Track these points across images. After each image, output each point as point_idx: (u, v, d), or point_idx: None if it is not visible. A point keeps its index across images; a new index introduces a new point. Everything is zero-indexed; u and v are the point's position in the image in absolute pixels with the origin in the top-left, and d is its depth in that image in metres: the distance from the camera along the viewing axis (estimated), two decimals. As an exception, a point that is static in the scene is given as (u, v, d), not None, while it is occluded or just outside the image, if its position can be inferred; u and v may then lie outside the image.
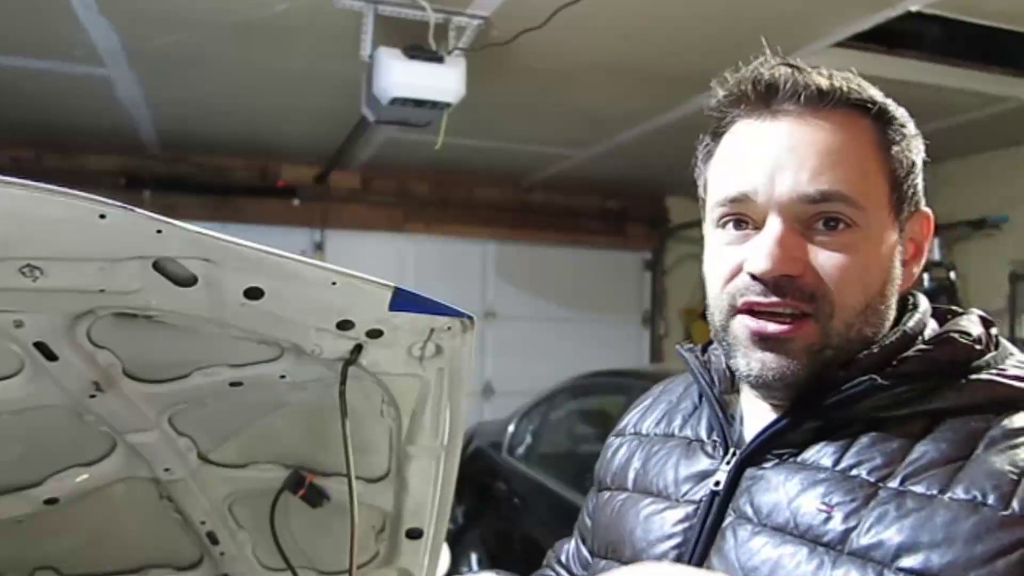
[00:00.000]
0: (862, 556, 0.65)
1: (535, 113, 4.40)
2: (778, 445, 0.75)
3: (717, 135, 0.82)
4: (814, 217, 0.72)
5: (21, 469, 1.26)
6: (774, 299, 0.72)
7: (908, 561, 0.63)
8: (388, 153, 5.39)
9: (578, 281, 6.59)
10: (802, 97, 0.74)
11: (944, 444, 0.67)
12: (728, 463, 0.78)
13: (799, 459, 0.73)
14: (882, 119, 0.76)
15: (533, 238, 6.51)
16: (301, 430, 1.32)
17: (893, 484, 0.67)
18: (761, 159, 0.74)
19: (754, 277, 0.73)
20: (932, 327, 0.78)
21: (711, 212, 0.79)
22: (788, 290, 0.72)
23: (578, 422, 4.11)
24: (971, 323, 0.76)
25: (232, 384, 1.19)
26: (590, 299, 6.63)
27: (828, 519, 0.68)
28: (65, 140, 5.23)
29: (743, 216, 0.75)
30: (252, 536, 1.44)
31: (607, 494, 0.95)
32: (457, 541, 3.84)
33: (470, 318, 1.12)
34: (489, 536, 3.74)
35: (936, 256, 4.94)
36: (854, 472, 0.69)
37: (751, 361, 0.74)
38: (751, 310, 0.74)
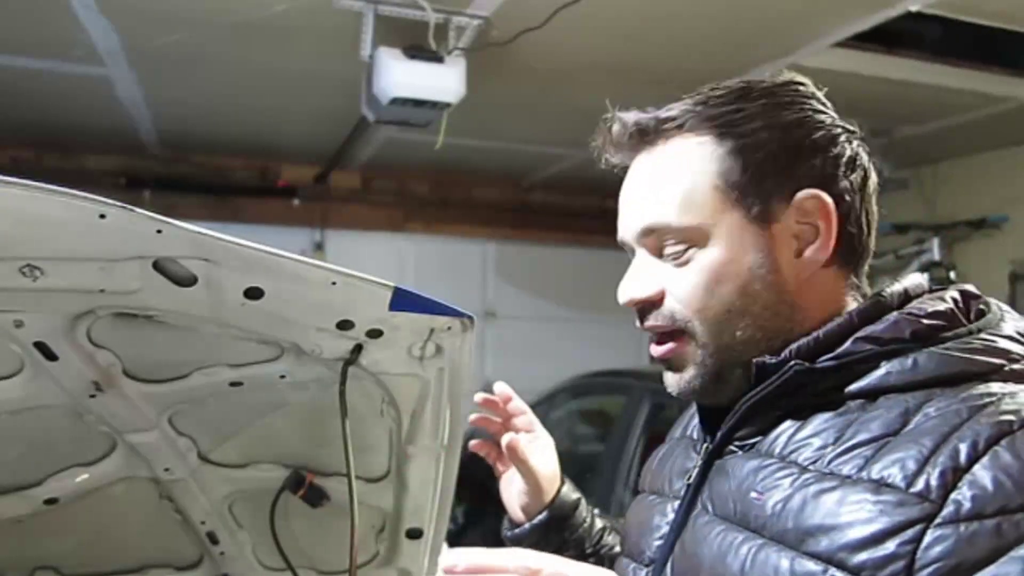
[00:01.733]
0: (779, 540, 0.66)
1: (535, 113, 4.40)
2: (741, 436, 0.77)
3: None
4: (659, 244, 0.78)
5: (21, 469, 1.26)
6: (645, 323, 0.80)
7: (812, 545, 0.63)
8: (388, 153, 5.39)
9: (578, 281, 6.59)
10: (631, 139, 0.81)
11: (875, 423, 0.67)
12: (700, 457, 0.82)
13: (757, 447, 0.75)
14: (708, 127, 0.77)
15: (533, 238, 6.51)
16: (301, 430, 1.32)
17: (820, 466, 0.68)
18: (621, 205, 0.85)
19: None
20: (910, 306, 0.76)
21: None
22: (650, 314, 0.79)
23: (578, 422, 4.11)
24: (936, 300, 0.74)
25: (232, 384, 1.19)
26: (590, 299, 6.63)
27: (758, 505, 0.69)
28: (65, 140, 5.23)
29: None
30: (252, 536, 1.44)
31: (636, 497, 1.01)
32: (457, 541, 3.84)
33: (470, 318, 1.12)
34: (489, 536, 3.74)
35: (936, 256, 4.94)
36: (792, 457, 0.71)
37: (666, 379, 0.82)
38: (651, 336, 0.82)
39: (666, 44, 3.34)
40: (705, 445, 0.83)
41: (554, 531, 1.12)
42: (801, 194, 0.76)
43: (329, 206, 5.99)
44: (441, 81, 3.00)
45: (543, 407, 4.02)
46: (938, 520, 0.58)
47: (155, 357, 1.14)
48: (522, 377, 6.38)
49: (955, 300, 0.75)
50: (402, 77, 2.94)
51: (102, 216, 0.85)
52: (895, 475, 0.62)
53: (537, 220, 6.53)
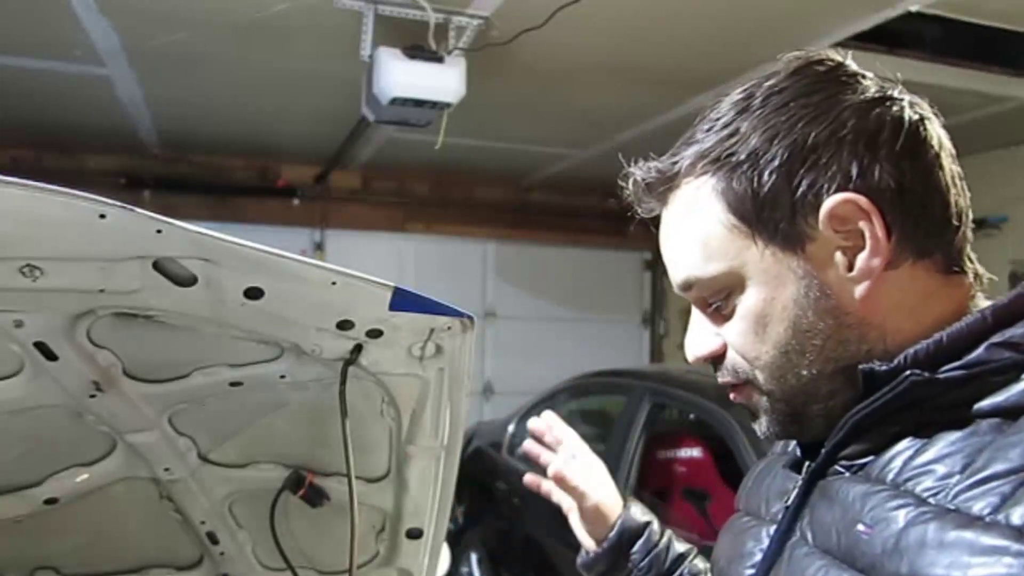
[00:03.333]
0: None
1: (535, 113, 4.40)
2: (849, 454, 0.67)
3: None
4: (702, 300, 0.73)
5: (21, 469, 1.26)
6: (719, 376, 0.75)
7: None
8: (388, 153, 5.39)
9: (578, 281, 6.59)
10: (647, 195, 0.76)
11: (1017, 450, 0.54)
12: (803, 477, 0.72)
13: (866, 471, 0.65)
14: (703, 166, 0.70)
15: (533, 238, 6.52)
16: (301, 430, 1.32)
17: (943, 500, 0.56)
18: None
19: None
20: None
21: None
22: (719, 367, 0.74)
23: (578, 422, 4.12)
24: None
25: (232, 384, 1.19)
26: (590, 299, 6.63)
27: (866, 541, 0.59)
28: (65, 140, 5.23)
29: None
30: (252, 536, 1.44)
31: (732, 516, 0.92)
32: (457, 541, 3.84)
33: (470, 318, 1.12)
34: (489, 536, 3.74)
35: (936, 256, 4.93)
36: (910, 485, 0.59)
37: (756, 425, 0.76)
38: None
39: (666, 44, 3.34)
40: (807, 464, 0.72)
41: (623, 555, 1.05)
42: (829, 202, 0.65)
43: (329, 206, 5.99)
44: (441, 81, 3.00)
45: (543, 407, 4.02)
46: None
47: (155, 357, 1.14)
48: (522, 377, 6.41)
49: None
50: (402, 77, 2.94)
51: (102, 216, 0.85)
52: None
53: (537, 220, 6.53)
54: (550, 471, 1.09)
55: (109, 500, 1.33)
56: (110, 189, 5.07)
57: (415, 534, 1.40)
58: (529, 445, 1.15)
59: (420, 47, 2.98)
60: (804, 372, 0.68)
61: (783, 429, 0.72)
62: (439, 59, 2.98)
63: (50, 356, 1.05)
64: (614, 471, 2.83)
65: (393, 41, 2.99)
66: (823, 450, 0.69)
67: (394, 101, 3.00)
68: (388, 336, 1.11)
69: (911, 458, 0.61)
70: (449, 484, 1.32)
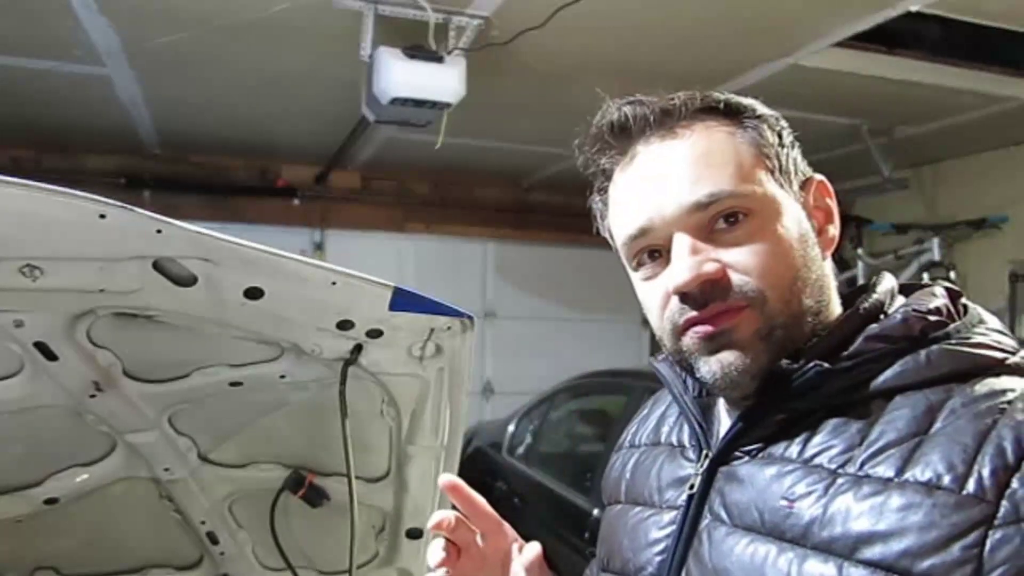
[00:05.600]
0: (824, 550, 0.64)
1: (535, 113, 4.40)
2: (745, 442, 0.75)
3: (602, 191, 0.86)
4: (711, 220, 0.74)
5: (21, 469, 1.26)
6: (708, 308, 0.73)
7: (866, 552, 0.61)
8: (388, 153, 5.39)
9: (578, 281, 6.59)
10: (653, 122, 0.78)
11: (901, 422, 0.66)
12: (702, 465, 0.78)
13: (766, 453, 0.73)
14: (732, 112, 0.78)
15: (533, 238, 6.51)
16: (301, 430, 1.32)
17: (852, 469, 0.66)
18: (644, 190, 0.78)
19: (683, 297, 0.74)
20: (899, 305, 0.76)
21: (625, 259, 0.82)
22: (716, 294, 0.73)
23: (578, 422, 4.11)
24: (930, 296, 0.74)
25: (232, 384, 1.20)
26: (590, 299, 6.63)
27: (791, 514, 0.67)
28: (65, 140, 5.23)
29: (652, 247, 0.78)
30: (252, 536, 1.44)
31: (608, 509, 0.96)
32: (457, 541, 3.84)
33: (470, 318, 1.12)
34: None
35: (936, 256, 4.93)
36: (816, 461, 0.68)
37: (711, 364, 0.74)
38: (694, 324, 0.75)
39: (666, 44, 3.34)
40: (704, 452, 0.79)
41: None
42: (811, 179, 0.80)
43: (329, 206, 5.99)
44: (441, 81, 2.99)
45: (543, 407, 4.02)
46: (997, 521, 0.58)
47: (155, 357, 1.14)
48: (522, 377, 6.38)
49: (943, 296, 0.75)
50: (402, 77, 2.94)
51: (102, 216, 0.85)
52: (944, 476, 0.61)
53: (537, 220, 6.53)
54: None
55: (109, 500, 1.33)
56: (110, 189, 5.07)
57: (415, 534, 1.41)
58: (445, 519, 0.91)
59: (420, 47, 2.98)
60: (806, 301, 0.74)
61: (763, 365, 0.73)
62: (439, 59, 2.98)
63: (50, 356, 1.05)
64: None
65: (393, 41, 2.99)
66: (722, 438, 0.77)
67: (394, 101, 3.00)
68: (388, 336, 1.11)
69: (808, 438, 0.70)
70: (449, 484, 1.32)
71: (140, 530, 1.43)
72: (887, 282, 0.78)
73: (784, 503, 0.67)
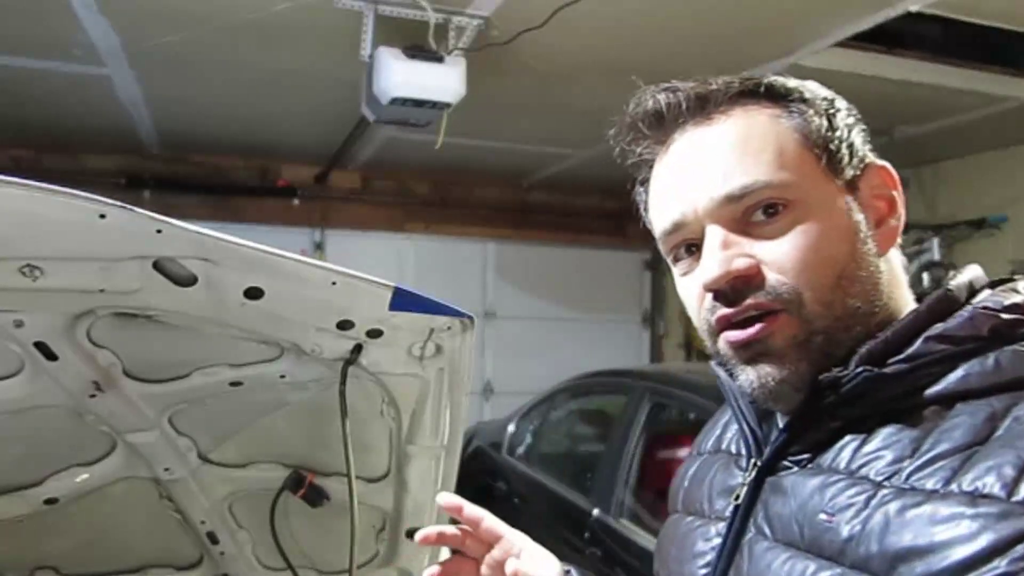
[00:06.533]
0: (862, 567, 0.59)
1: (535, 113, 4.40)
2: (794, 451, 0.70)
3: (644, 182, 0.81)
4: (747, 212, 0.69)
5: (21, 469, 1.26)
6: (739, 306, 0.68)
7: (904, 570, 0.56)
8: (388, 153, 5.39)
9: (578, 281, 6.59)
10: (687, 109, 0.73)
11: (959, 430, 0.59)
12: (750, 474, 0.73)
13: (815, 463, 0.67)
14: (775, 96, 0.73)
15: (533, 238, 6.51)
16: (301, 430, 1.32)
17: (898, 482, 0.60)
18: (677, 182, 0.73)
19: (715, 295, 0.69)
20: (983, 300, 0.67)
21: (664, 253, 0.78)
22: (747, 292, 0.68)
23: (578, 422, 4.11)
24: (1010, 292, 0.67)
25: (232, 384, 1.19)
26: (590, 299, 6.64)
27: (829, 528, 0.62)
28: (65, 140, 5.23)
29: (688, 242, 0.73)
30: (252, 536, 1.44)
31: (668, 518, 0.90)
32: (457, 541, 3.84)
33: (470, 318, 1.12)
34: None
35: (936, 256, 4.93)
36: (863, 472, 0.63)
37: (748, 375, 0.70)
38: (729, 327, 0.70)
39: (666, 44, 3.34)
40: (752, 461, 0.74)
41: None
42: (871, 165, 0.73)
43: (329, 206, 5.99)
44: (441, 81, 3.00)
45: (543, 407, 4.02)
46: None
47: (155, 357, 1.14)
48: (522, 377, 6.39)
49: None
50: (402, 77, 2.94)
51: (102, 216, 0.85)
52: (991, 484, 0.55)
53: (537, 220, 6.53)
54: (512, 568, 0.90)
55: (109, 500, 1.33)
56: (110, 189, 5.07)
57: (415, 534, 1.40)
58: (452, 533, 0.93)
59: (420, 47, 2.98)
60: (851, 302, 0.67)
61: (804, 374, 0.67)
62: (439, 59, 2.98)
63: (50, 356, 1.05)
64: (614, 471, 2.84)
65: (393, 41, 2.99)
66: (769, 447, 0.72)
67: (394, 101, 3.00)
68: (388, 336, 1.11)
69: (859, 447, 0.65)
70: (449, 484, 1.32)
71: (140, 530, 1.43)
72: (967, 274, 0.70)
73: (824, 517, 0.63)
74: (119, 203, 0.86)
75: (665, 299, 6.95)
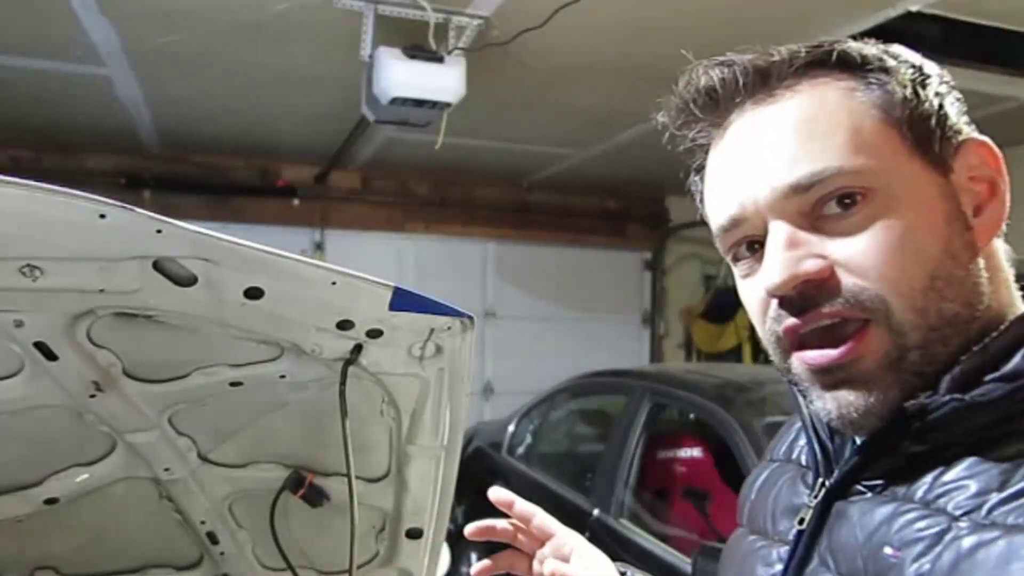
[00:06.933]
0: None
1: (535, 113, 4.40)
2: (869, 475, 0.61)
3: (699, 169, 0.71)
4: (817, 204, 0.59)
5: (21, 469, 1.26)
6: (810, 315, 0.59)
7: None
8: (388, 153, 5.40)
9: (578, 281, 6.59)
10: (745, 85, 0.63)
11: None
12: (816, 497, 0.65)
13: (890, 490, 0.59)
14: (850, 65, 0.62)
15: (533, 238, 6.52)
16: (301, 430, 1.32)
17: (978, 517, 0.52)
18: (735, 171, 0.63)
19: (780, 302, 0.60)
20: None
21: (722, 252, 0.68)
22: (822, 297, 0.58)
23: (578, 422, 4.12)
24: None
25: (232, 384, 1.19)
26: (590, 299, 6.64)
27: (895, 565, 0.54)
28: (65, 140, 5.23)
29: (749, 239, 0.63)
30: (252, 536, 1.44)
31: (734, 532, 0.82)
32: (457, 541, 3.84)
33: (470, 318, 1.12)
34: (489, 536, 3.75)
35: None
36: (940, 503, 0.54)
37: (826, 403, 0.60)
38: (802, 343, 0.60)
39: (666, 44, 3.34)
40: (820, 481, 0.65)
41: None
42: (967, 141, 0.62)
43: (329, 206, 5.99)
44: (441, 81, 3.00)
45: (543, 407, 4.02)
46: None
47: (155, 357, 1.14)
48: (522, 377, 6.40)
49: None
50: (402, 77, 2.94)
51: (102, 216, 0.85)
52: None
53: (537, 220, 6.53)
54: (547, 569, 0.89)
55: (109, 500, 1.33)
56: (110, 189, 5.07)
57: (415, 534, 1.40)
58: (488, 526, 0.93)
59: (420, 47, 2.98)
60: (947, 307, 0.57)
61: (894, 400, 0.58)
62: (439, 59, 2.99)
63: (50, 356, 1.05)
64: (614, 471, 2.84)
65: (393, 41, 2.99)
66: (839, 470, 0.63)
67: (394, 101, 3.00)
68: (388, 336, 1.11)
69: (939, 475, 0.56)
70: (449, 484, 1.32)
71: (140, 530, 1.43)
72: None
73: (889, 551, 0.55)
74: (119, 203, 0.86)
75: (665, 299, 6.95)
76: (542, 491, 3.48)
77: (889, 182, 0.58)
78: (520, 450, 3.96)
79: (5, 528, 1.30)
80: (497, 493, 0.89)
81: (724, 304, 6.17)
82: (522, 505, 0.89)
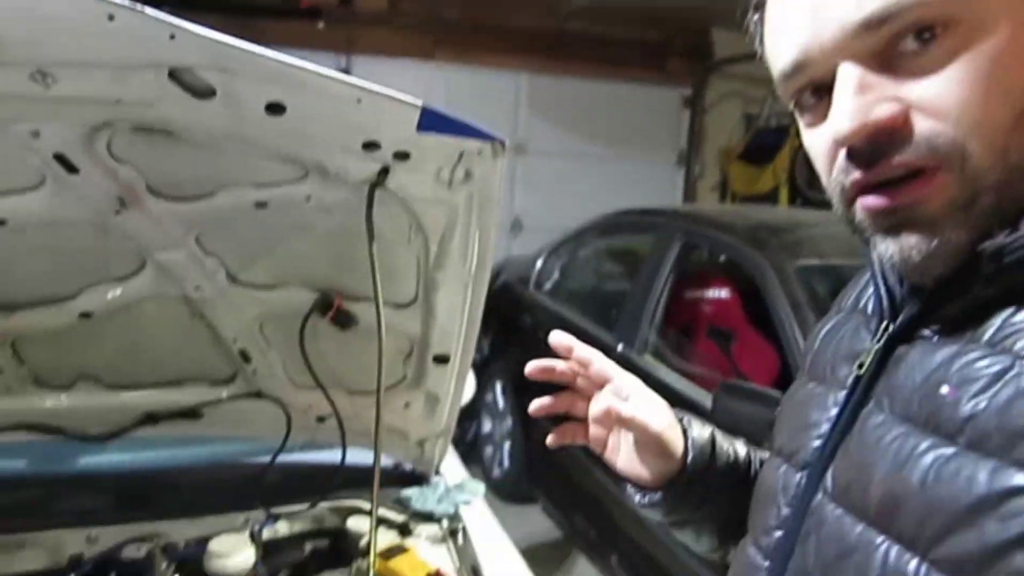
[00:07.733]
0: (976, 448, 0.50)
1: (576, -71, 4.07)
2: (935, 318, 0.59)
3: (758, 7, 0.64)
4: (892, 41, 0.53)
5: (55, 281, 1.28)
6: (879, 167, 0.55)
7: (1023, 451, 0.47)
8: (418, -28, 5.09)
9: (612, 117, 6.38)
10: None
11: None
12: (879, 341, 0.63)
13: (956, 335, 0.57)
14: None
15: (568, 70, 6.25)
16: (329, 255, 1.32)
17: None
18: (798, 9, 0.57)
19: (848, 152, 0.56)
20: None
21: (784, 100, 0.63)
22: (894, 147, 0.54)
23: (606, 260, 4.12)
24: None
25: (257, 205, 1.18)
26: (624, 136, 6.45)
27: (949, 404, 0.53)
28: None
29: (815, 84, 0.58)
30: (283, 355, 1.48)
31: (793, 383, 0.80)
32: (483, 370, 3.98)
33: (502, 142, 1.07)
34: (513, 366, 3.87)
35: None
36: (1006, 343, 0.52)
37: (889, 247, 0.57)
38: (866, 190, 0.57)
39: None
40: (885, 324, 0.63)
41: (698, 482, 0.84)
42: None
43: (355, 30, 5.75)
44: None
45: (571, 244, 4.02)
46: None
47: (178, 175, 1.12)
48: (551, 213, 6.33)
49: None
50: None
51: (111, 17, 0.80)
52: None
53: (573, 51, 6.23)
54: (598, 407, 0.88)
55: (143, 317, 1.36)
56: (130, 6, 4.88)
57: (442, 359, 1.43)
58: (547, 366, 0.91)
59: None
60: None
61: (963, 245, 0.55)
62: None
63: (71, 168, 1.03)
64: (640, 309, 2.86)
65: None
66: (904, 314, 0.61)
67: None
68: (415, 159, 1.07)
69: (1009, 317, 0.53)
70: (476, 312, 1.33)
71: (175, 346, 1.47)
72: None
73: (946, 390, 0.54)
74: (128, 4, 0.80)
75: (703, 139, 6.73)
76: (568, 326, 3.54)
77: (974, 8, 0.51)
78: (547, 286, 4.00)
79: (45, 339, 1.35)
80: (557, 337, 0.88)
81: (765, 145, 5.96)
82: (582, 349, 0.88)
